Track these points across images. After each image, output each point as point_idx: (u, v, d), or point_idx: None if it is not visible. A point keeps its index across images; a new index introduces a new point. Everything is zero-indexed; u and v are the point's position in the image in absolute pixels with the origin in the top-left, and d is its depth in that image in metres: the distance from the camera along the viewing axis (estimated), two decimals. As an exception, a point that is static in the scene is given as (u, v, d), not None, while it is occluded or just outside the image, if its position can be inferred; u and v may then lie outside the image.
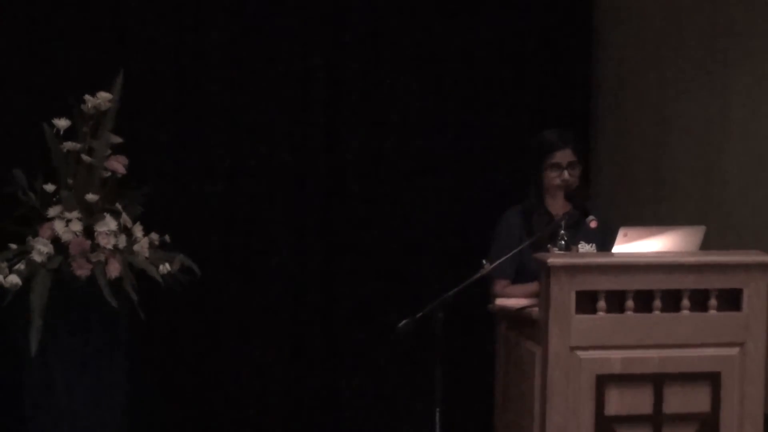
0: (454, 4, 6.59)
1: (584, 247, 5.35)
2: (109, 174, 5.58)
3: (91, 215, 5.49)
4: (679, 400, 4.79)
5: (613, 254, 4.88)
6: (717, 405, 4.80)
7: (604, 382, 4.74)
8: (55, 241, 5.42)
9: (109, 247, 5.44)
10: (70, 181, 5.53)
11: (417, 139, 6.57)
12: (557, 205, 5.42)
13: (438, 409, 4.91)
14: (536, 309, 4.84)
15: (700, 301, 4.81)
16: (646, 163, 6.65)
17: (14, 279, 5.32)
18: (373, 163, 6.54)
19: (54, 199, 5.51)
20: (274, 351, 6.45)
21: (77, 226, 5.44)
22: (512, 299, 5.19)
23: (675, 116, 6.54)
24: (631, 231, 4.88)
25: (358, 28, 6.49)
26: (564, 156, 5.41)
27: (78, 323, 5.45)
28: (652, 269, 4.76)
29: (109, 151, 5.60)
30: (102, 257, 5.41)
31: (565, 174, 5.39)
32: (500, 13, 6.63)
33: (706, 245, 4.98)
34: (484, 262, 5.08)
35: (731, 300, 4.82)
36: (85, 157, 5.52)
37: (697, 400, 4.80)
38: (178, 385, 6.32)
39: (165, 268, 5.51)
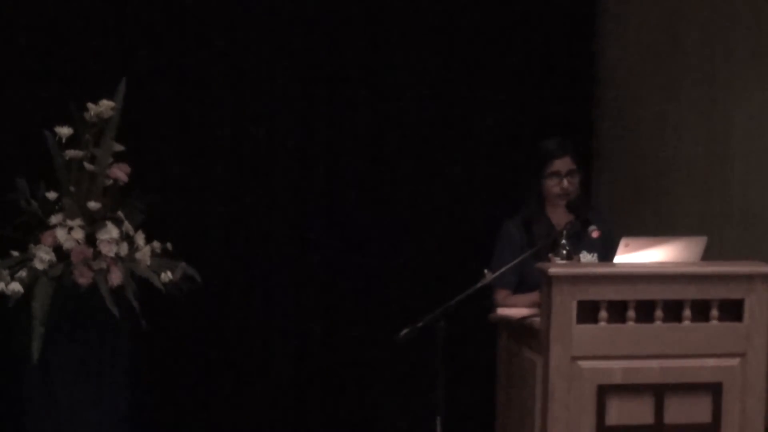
0: (456, 11, 6.59)
1: (586, 257, 5.35)
2: (111, 182, 5.58)
3: (93, 223, 5.49)
4: (680, 411, 4.78)
5: (614, 264, 4.88)
6: (718, 415, 4.80)
7: (605, 392, 4.73)
8: (57, 248, 5.42)
9: (111, 255, 5.44)
10: (72, 189, 5.53)
11: (419, 147, 6.57)
12: (558, 215, 5.42)
13: (439, 418, 4.91)
14: (537, 319, 4.84)
15: (701, 311, 4.80)
16: (648, 173, 6.65)
17: (16, 286, 5.31)
18: (375, 171, 6.54)
19: (56, 206, 5.51)
20: (274, 359, 6.45)
21: (79, 234, 5.44)
22: (513, 309, 5.19)
23: (677, 125, 6.53)
24: (633, 241, 4.88)
25: (359, 32, 6.50)
26: (563, 164, 5.41)
27: (79, 331, 5.45)
28: (654, 279, 4.76)
29: (111, 159, 5.60)
30: (104, 265, 5.41)
31: (565, 182, 5.39)
32: (502, 20, 6.63)
33: (707, 256, 4.98)
34: (485, 271, 5.09)
35: (732, 310, 4.81)
36: (87, 165, 5.53)
37: (698, 411, 4.79)
38: (180, 394, 6.31)
39: (167, 276, 5.51)
